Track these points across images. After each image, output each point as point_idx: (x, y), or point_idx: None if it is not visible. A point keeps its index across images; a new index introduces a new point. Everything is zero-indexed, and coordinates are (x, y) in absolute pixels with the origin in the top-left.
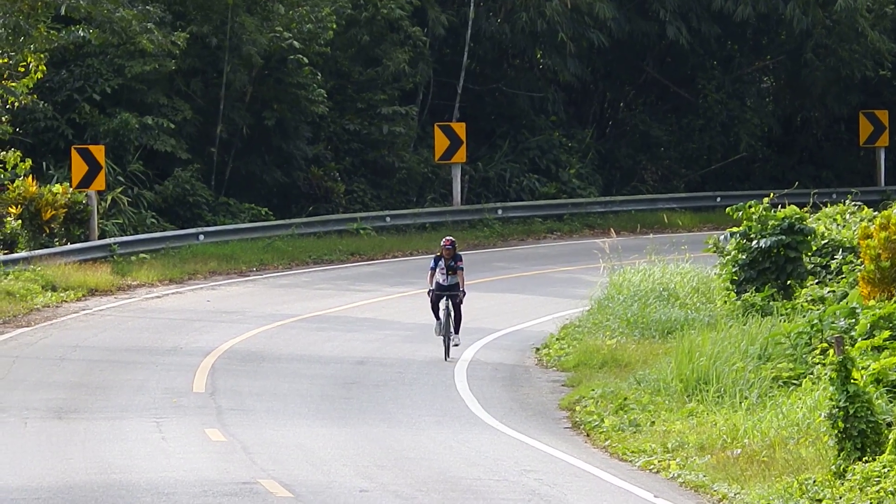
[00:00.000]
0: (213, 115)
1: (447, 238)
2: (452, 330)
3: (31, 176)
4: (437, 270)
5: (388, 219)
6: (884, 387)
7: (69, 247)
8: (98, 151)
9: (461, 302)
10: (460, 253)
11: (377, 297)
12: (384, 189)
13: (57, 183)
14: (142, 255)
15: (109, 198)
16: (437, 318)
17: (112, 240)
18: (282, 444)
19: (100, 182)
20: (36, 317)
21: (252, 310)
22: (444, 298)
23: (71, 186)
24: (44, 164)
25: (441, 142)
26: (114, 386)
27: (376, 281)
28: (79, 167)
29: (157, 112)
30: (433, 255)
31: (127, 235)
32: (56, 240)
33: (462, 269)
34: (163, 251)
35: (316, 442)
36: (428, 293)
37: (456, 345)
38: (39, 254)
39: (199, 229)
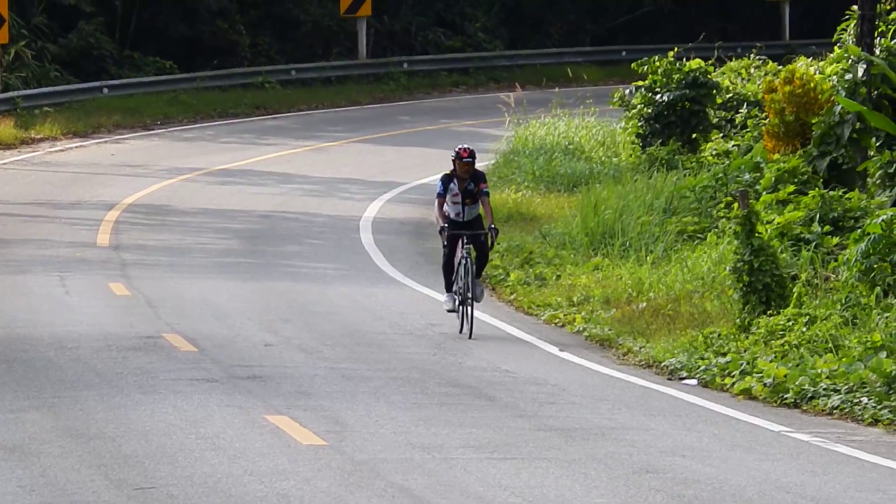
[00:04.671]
0: None
1: (463, 146)
2: (472, 281)
3: None
4: (448, 197)
5: (293, 72)
6: (788, 240)
7: None
8: (1, 4)
9: (491, 247)
10: (481, 170)
11: (283, 151)
12: (289, 42)
13: None
14: (45, 109)
15: (13, 51)
16: (449, 287)
17: (15, 93)
18: (186, 298)
19: (2, 35)
20: None
21: (156, 163)
22: (463, 242)
23: None
24: None
25: None
26: (16, 240)
27: (282, 135)
28: None
29: None
30: (440, 175)
31: (30, 88)
32: None
33: (487, 193)
34: (67, 104)
35: (220, 296)
36: (440, 232)
37: (477, 300)
38: None
39: (104, 83)
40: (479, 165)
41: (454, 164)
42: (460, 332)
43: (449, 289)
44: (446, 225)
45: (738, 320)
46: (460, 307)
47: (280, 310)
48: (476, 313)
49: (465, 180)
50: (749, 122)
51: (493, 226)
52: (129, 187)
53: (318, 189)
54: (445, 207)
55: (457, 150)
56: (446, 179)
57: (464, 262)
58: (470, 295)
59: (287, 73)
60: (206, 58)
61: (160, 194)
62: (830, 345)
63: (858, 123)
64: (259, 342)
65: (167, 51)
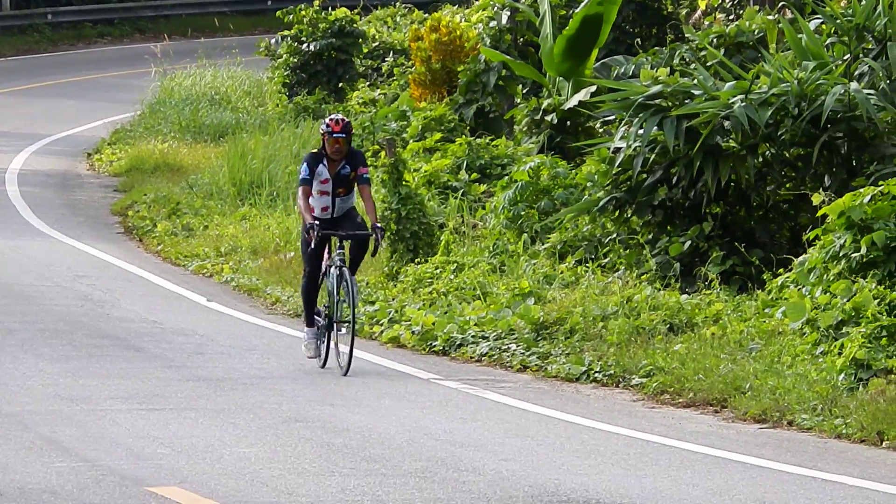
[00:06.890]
0: None
1: (334, 117)
2: (348, 279)
3: None
4: (316, 184)
5: None
6: (436, 188)
7: None
8: None
9: (375, 252)
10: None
11: None
12: None
13: None
14: None
15: None
16: (311, 319)
17: None
18: None
19: None
20: None
21: None
22: (334, 247)
23: None
24: None
25: None
26: None
27: None
28: None
29: None
30: (306, 155)
31: None
32: None
33: (368, 181)
34: None
35: None
36: (307, 230)
37: (345, 329)
38: None
39: None
40: (123, 117)
41: (323, 141)
42: (322, 366)
43: (311, 322)
44: (317, 222)
45: (385, 269)
46: (326, 333)
47: None
48: (123, 265)
49: (338, 163)
50: (396, 70)
51: (378, 224)
52: None
53: None
54: (313, 198)
55: (326, 122)
56: (312, 160)
57: (336, 271)
58: (345, 307)
59: None
60: None
61: None
62: (479, 292)
63: (504, 71)
64: None
65: None
